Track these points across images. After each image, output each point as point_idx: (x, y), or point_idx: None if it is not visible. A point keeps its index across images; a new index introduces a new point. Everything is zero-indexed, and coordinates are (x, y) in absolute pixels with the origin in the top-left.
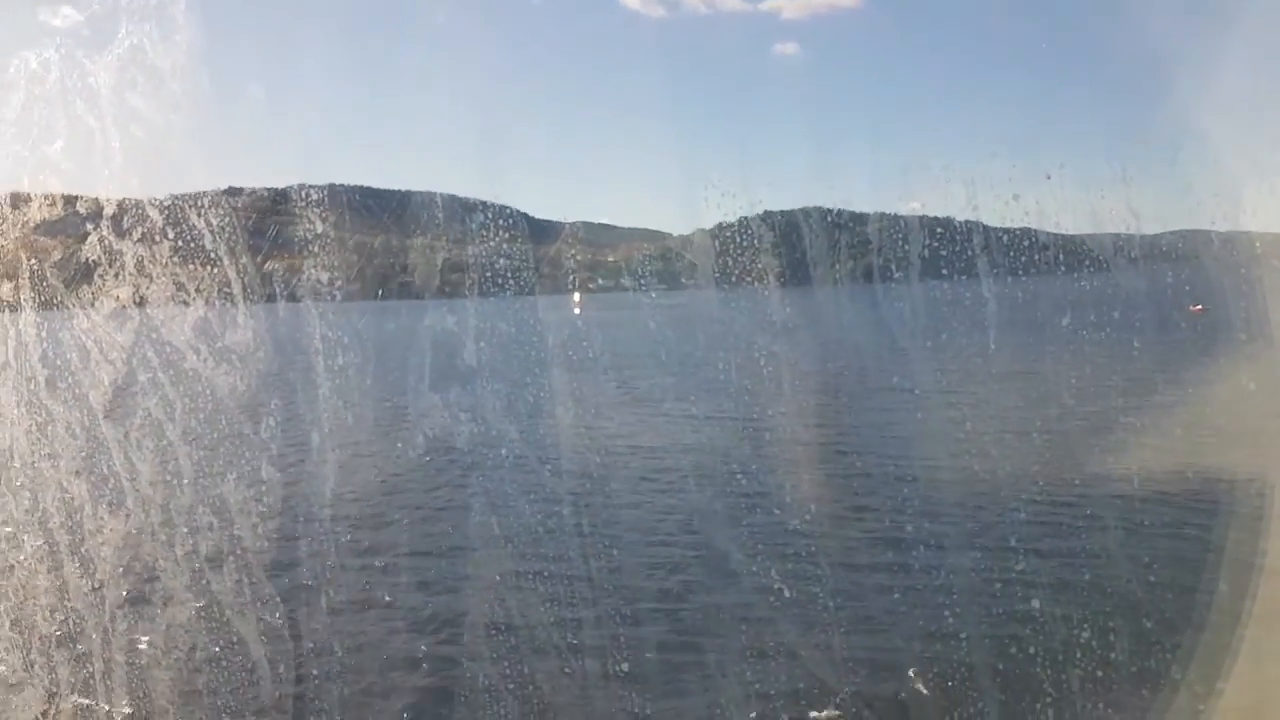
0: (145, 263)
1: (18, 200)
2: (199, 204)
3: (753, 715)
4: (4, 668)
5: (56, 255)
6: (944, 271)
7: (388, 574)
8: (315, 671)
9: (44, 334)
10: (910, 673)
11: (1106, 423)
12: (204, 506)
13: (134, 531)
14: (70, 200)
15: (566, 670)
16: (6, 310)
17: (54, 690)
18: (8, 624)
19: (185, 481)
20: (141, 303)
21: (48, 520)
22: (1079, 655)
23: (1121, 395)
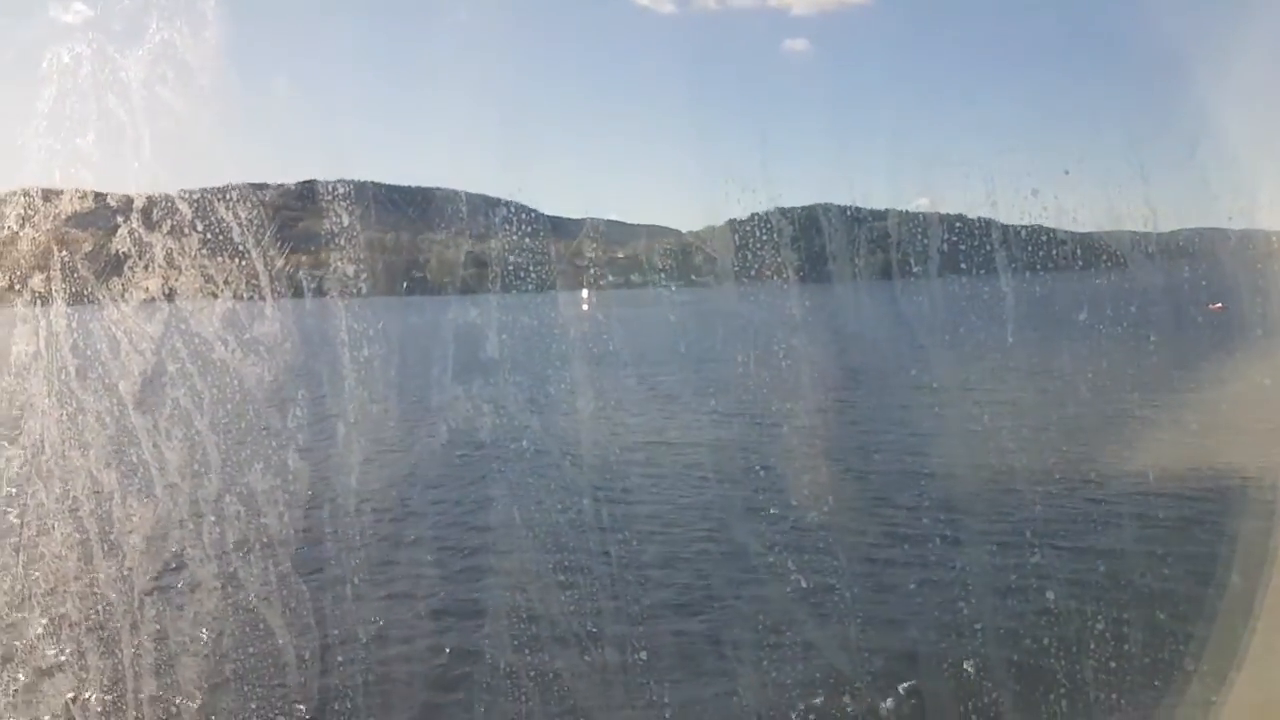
0: (174, 255)
1: (49, 194)
2: (227, 198)
3: (774, 704)
4: (36, 653)
5: (87, 248)
6: (960, 267)
7: (411, 563)
8: (339, 658)
9: (74, 325)
10: (926, 662)
11: (1124, 418)
12: (233, 495)
13: (162, 520)
14: (100, 195)
15: (588, 659)
16: (38, 302)
17: (83, 675)
18: (39, 611)
19: (213, 471)
20: (170, 295)
21: (78, 508)
22: (1093, 646)
23: (1138, 391)
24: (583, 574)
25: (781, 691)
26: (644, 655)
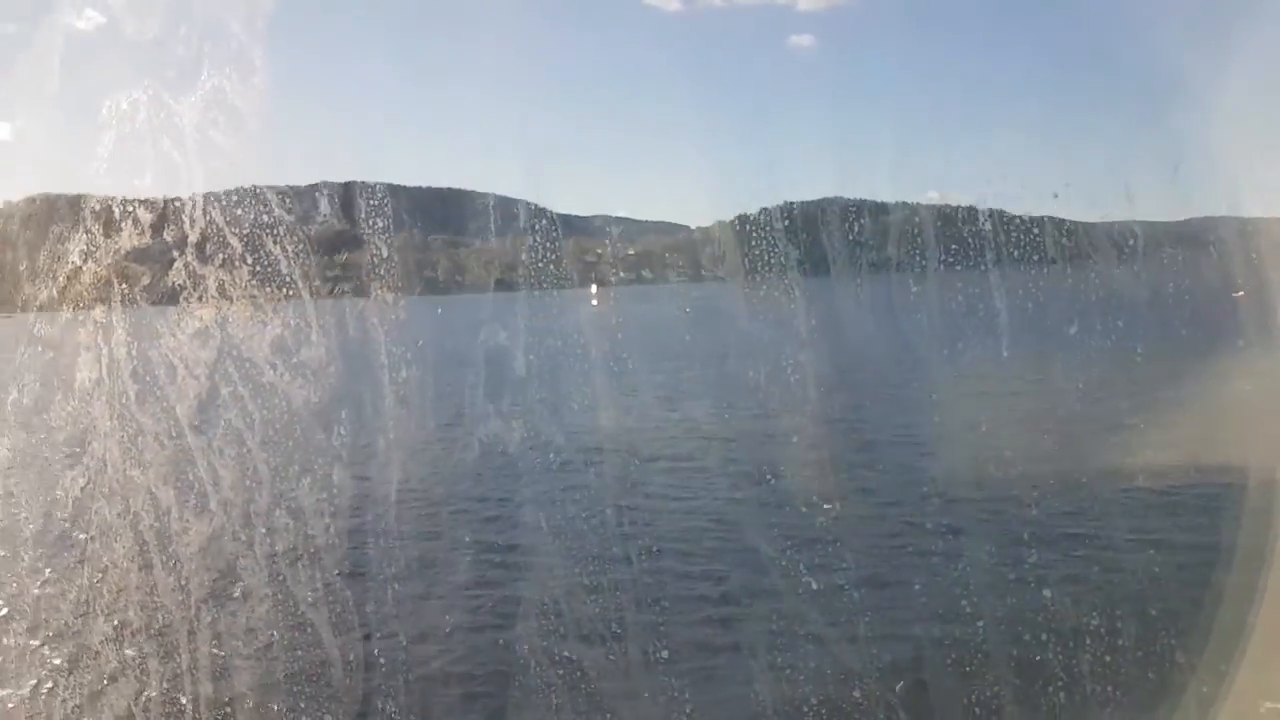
0: (234, 257)
1: (109, 229)
2: (260, 199)
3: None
4: (102, 657)
5: (145, 280)
6: (969, 261)
7: (453, 567)
8: (383, 660)
9: (134, 351)
10: (927, 657)
11: (1137, 413)
12: (285, 503)
13: (216, 532)
14: (158, 228)
15: (615, 658)
16: (100, 331)
17: (145, 679)
18: (104, 618)
19: (271, 473)
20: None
21: (138, 523)
22: (1090, 643)
23: (1151, 386)
24: (617, 571)
25: (791, 684)
26: (664, 653)
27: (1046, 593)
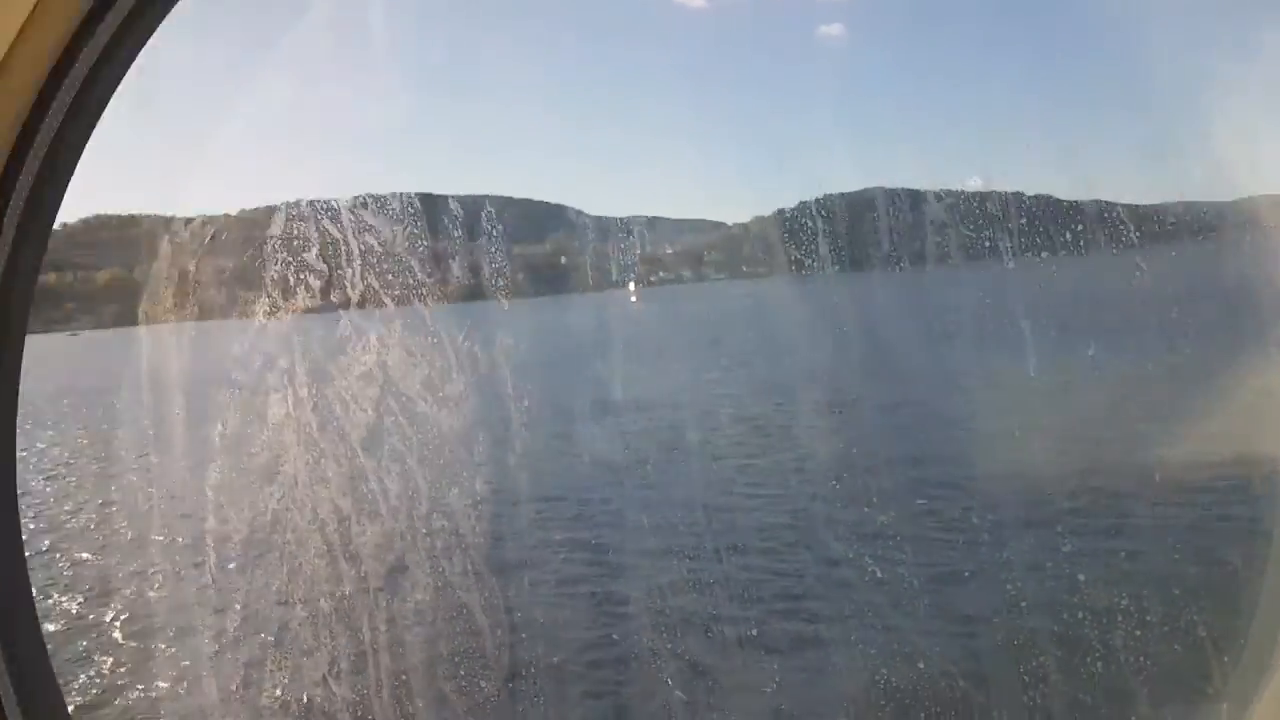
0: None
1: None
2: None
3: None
4: (299, 639)
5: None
6: (1020, 248)
7: (592, 561)
8: (529, 653)
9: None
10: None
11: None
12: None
13: (389, 534)
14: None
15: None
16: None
17: (335, 656)
18: (299, 606)
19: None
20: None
21: (324, 527)
22: (1132, 636)
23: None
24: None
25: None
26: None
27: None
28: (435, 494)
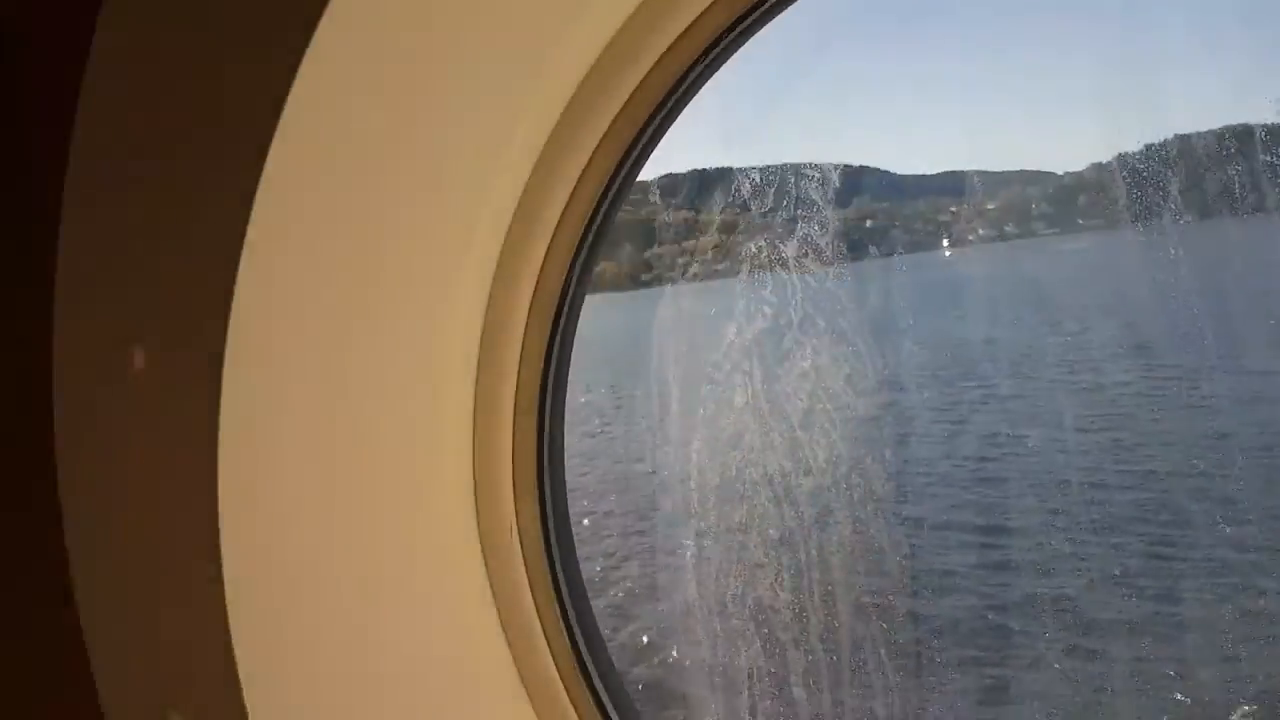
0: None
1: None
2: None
3: None
4: (753, 556)
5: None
6: None
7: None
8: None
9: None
10: None
11: None
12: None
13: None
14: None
15: None
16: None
17: (780, 569)
18: (754, 536)
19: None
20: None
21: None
22: None
23: None
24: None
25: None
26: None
27: None
28: (855, 458)
